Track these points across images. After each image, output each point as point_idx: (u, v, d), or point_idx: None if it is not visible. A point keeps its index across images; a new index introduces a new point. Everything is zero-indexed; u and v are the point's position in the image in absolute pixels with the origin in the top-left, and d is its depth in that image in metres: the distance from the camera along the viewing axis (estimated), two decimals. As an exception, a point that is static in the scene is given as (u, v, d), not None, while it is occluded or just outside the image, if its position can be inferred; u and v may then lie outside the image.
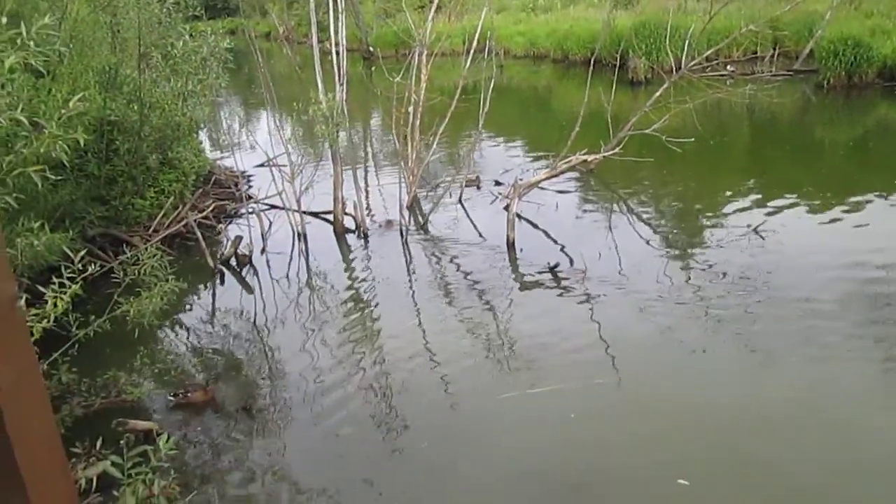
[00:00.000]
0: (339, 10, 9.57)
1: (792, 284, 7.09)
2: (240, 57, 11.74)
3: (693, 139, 10.84)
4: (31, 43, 3.64)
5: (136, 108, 8.98)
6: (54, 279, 4.54)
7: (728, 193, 10.30)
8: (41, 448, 0.84)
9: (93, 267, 4.85)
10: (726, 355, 6.03)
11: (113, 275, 5.70)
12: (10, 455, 0.77)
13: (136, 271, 5.66)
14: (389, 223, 10.08)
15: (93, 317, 5.23)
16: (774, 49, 20.45)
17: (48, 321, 4.40)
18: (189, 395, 5.83)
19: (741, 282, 7.28)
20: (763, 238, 8.36)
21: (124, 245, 8.74)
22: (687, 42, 10.65)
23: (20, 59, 3.57)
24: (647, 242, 8.80)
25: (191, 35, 9.26)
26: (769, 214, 9.11)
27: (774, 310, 6.64)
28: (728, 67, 16.91)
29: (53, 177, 4.11)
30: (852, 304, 6.66)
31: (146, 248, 6.10)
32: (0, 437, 0.76)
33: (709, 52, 11.12)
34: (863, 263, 7.47)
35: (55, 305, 4.41)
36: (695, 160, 11.71)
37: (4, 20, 3.44)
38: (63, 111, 3.98)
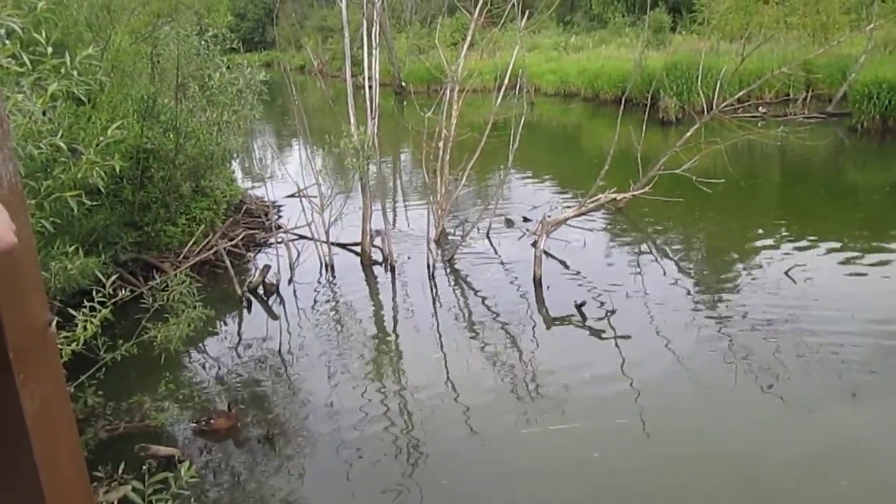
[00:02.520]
0: (374, 45, 9.72)
1: (823, 331, 6.95)
2: (274, 89, 11.95)
3: (724, 180, 10.78)
4: (75, 72, 3.74)
5: (171, 136, 9.16)
6: (85, 303, 4.60)
7: (759, 236, 10.19)
8: (66, 471, 0.85)
9: (123, 292, 4.91)
10: (754, 400, 5.91)
11: (142, 300, 5.77)
12: (36, 477, 0.78)
13: (165, 297, 5.73)
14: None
15: (121, 341, 5.28)
16: (807, 91, 20.40)
17: (77, 344, 4.45)
18: (212, 421, 5.83)
19: (770, 326, 7.16)
20: (794, 282, 8.23)
21: (154, 270, 8.85)
22: (718, 83, 10.64)
23: (63, 88, 3.67)
24: (676, 283, 8.71)
25: (228, 67, 9.46)
26: (801, 258, 8.97)
27: (804, 356, 6.50)
28: (760, 109, 16.89)
29: (89, 202, 4.19)
30: (885, 352, 6.51)
31: (176, 275, 6.18)
32: (27, 459, 0.77)
33: (741, 93, 11.10)
34: (897, 310, 7.32)
35: (85, 329, 4.46)
36: (725, 201, 11.63)
37: (50, 50, 3.53)
38: (101, 138, 4.08)
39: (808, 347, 6.64)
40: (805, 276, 8.35)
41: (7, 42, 3.23)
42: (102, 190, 4.65)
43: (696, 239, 10.60)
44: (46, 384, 0.80)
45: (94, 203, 5.52)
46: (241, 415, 6.03)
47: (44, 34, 3.54)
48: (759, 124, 12.68)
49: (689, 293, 8.39)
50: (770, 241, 9.86)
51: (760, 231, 10.39)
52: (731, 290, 8.30)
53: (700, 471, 5.10)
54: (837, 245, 9.48)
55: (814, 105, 19.80)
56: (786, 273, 8.44)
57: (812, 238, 9.78)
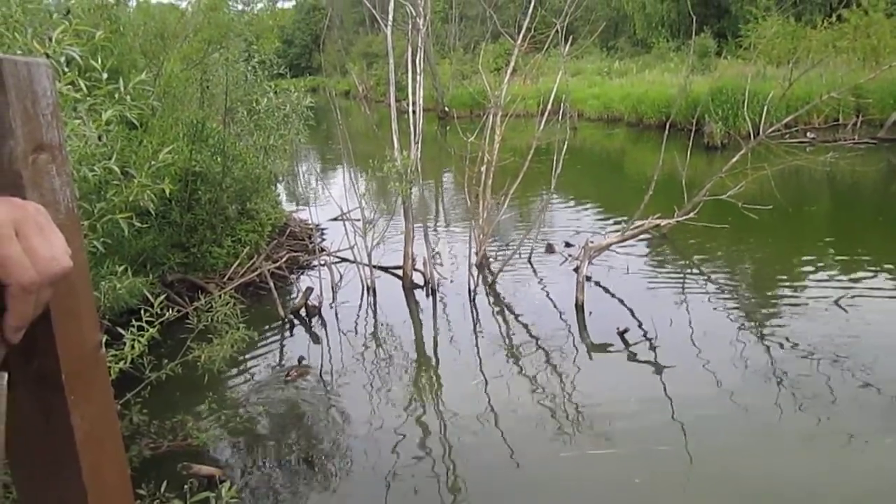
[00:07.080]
0: (418, 71, 9.82)
1: (875, 362, 6.74)
2: (320, 114, 12.11)
3: (771, 206, 10.59)
4: (128, 97, 3.85)
5: (219, 160, 9.35)
6: (133, 322, 4.69)
7: (807, 263, 9.97)
8: (112, 491, 0.86)
9: (170, 312, 5.00)
10: (802, 433, 5.74)
11: (187, 320, 5.87)
12: (83, 498, 0.79)
13: (210, 318, 5.82)
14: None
15: (165, 360, 5.37)
16: (857, 116, 20.02)
17: (125, 363, 4.53)
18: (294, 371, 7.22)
19: (819, 356, 6.97)
20: (845, 311, 8.01)
21: (200, 291, 9.00)
22: (765, 108, 10.49)
23: (117, 113, 3.77)
24: (721, 310, 8.55)
25: (275, 92, 9.65)
26: (851, 287, 8.74)
27: (853, 388, 6.31)
28: (808, 134, 16.59)
29: (139, 224, 4.29)
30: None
31: (220, 296, 6.27)
32: (75, 480, 0.78)
33: (788, 118, 10.92)
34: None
35: (132, 348, 4.55)
36: (772, 228, 11.41)
37: (105, 76, 3.64)
38: (152, 162, 4.18)
39: (859, 379, 6.45)
40: (856, 306, 8.13)
41: (66, 70, 3.34)
42: (152, 212, 4.75)
43: (741, 266, 10.41)
44: (97, 404, 0.81)
45: (144, 225, 5.64)
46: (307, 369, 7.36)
47: (100, 61, 3.65)
48: (808, 150, 12.46)
49: (734, 321, 8.23)
50: (819, 270, 9.63)
51: (809, 259, 10.16)
52: (778, 319, 8.11)
53: (743, 501, 4.97)
54: (890, 274, 9.22)
55: (864, 130, 19.38)
56: (836, 302, 8.23)
57: (863, 267, 9.53)
